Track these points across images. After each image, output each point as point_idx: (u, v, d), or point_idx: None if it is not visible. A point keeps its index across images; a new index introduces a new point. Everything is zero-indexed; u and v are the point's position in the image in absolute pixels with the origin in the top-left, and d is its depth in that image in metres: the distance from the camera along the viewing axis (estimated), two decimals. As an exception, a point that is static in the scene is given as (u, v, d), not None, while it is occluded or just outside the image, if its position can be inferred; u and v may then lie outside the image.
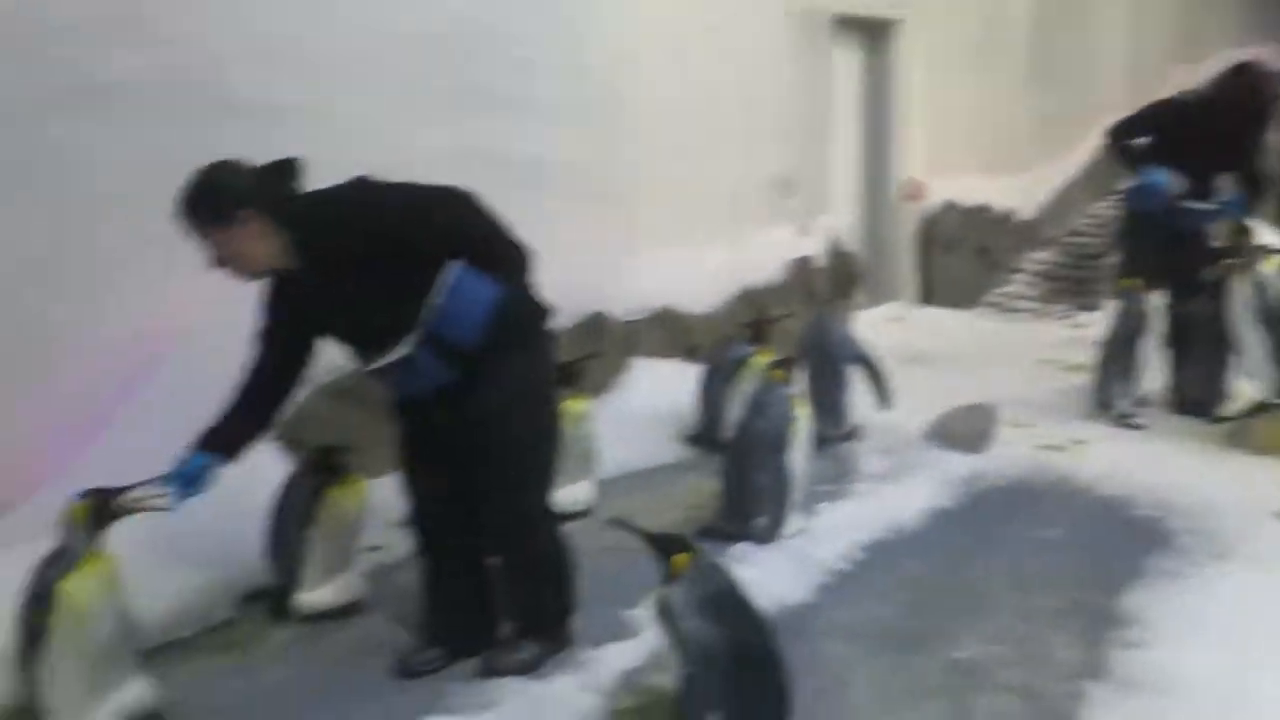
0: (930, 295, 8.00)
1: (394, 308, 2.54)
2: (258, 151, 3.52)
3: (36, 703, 2.48)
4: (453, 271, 2.54)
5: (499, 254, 2.60)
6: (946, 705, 2.72)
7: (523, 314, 2.70)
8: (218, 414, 2.65)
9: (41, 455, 3.22)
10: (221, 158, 2.54)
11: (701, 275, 5.64)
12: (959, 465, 4.36)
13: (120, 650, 2.57)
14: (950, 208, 8.10)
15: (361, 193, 2.56)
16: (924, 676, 2.86)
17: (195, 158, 3.37)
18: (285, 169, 2.59)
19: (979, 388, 5.25)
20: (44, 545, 2.78)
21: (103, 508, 2.51)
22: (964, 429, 4.57)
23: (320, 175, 3.65)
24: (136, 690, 2.60)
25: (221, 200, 2.47)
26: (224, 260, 2.54)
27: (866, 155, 7.69)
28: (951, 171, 7.99)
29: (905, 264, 7.92)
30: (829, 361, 4.70)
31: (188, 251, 3.39)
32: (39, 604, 2.44)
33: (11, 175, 3.10)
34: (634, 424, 4.68)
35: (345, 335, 2.69)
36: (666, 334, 5.48)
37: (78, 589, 2.45)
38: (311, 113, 3.72)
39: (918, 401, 4.85)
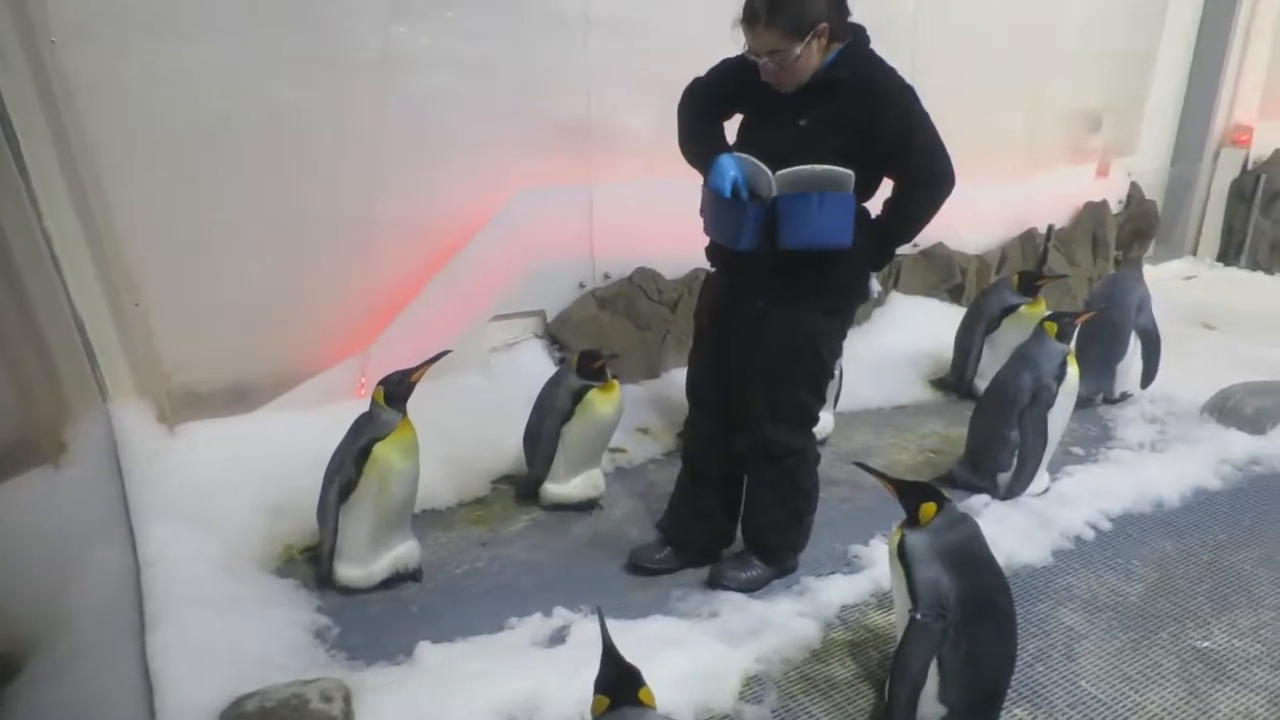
0: (1235, 254, 7.22)
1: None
2: (575, 60, 3.83)
3: (329, 545, 2.88)
4: (856, 202, 2.57)
5: (905, 233, 2.74)
6: (1180, 693, 2.62)
7: (860, 274, 2.77)
8: (701, 134, 2.72)
9: (347, 332, 3.64)
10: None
11: (979, 213, 5.35)
12: (1237, 445, 4.01)
13: (405, 511, 2.93)
14: (1282, 158, 7.22)
15: (913, 94, 2.58)
16: (1159, 661, 2.75)
17: (514, 64, 3.71)
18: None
19: (1275, 362, 4.78)
20: (333, 411, 3.21)
21: (397, 388, 2.83)
22: (1250, 406, 4.18)
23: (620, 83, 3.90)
24: (407, 549, 2.97)
25: (804, 13, 2.46)
26: (778, 69, 2.52)
27: (1191, 88, 6.93)
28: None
29: (1211, 216, 7.17)
30: (1118, 322, 4.40)
31: (498, 150, 3.77)
32: (356, 459, 2.79)
33: (358, 66, 3.43)
34: (883, 360, 4.64)
35: (753, 143, 2.65)
36: (932, 270, 5.32)
37: (390, 451, 2.80)
38: (625, 25, 3.90)
39: (1200, 370, 4.50)
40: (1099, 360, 4.33)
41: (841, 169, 2.51)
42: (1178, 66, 6.78)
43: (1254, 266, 7.13)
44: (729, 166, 2.57)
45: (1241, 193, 7.13)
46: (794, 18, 2.44)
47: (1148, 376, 4.42)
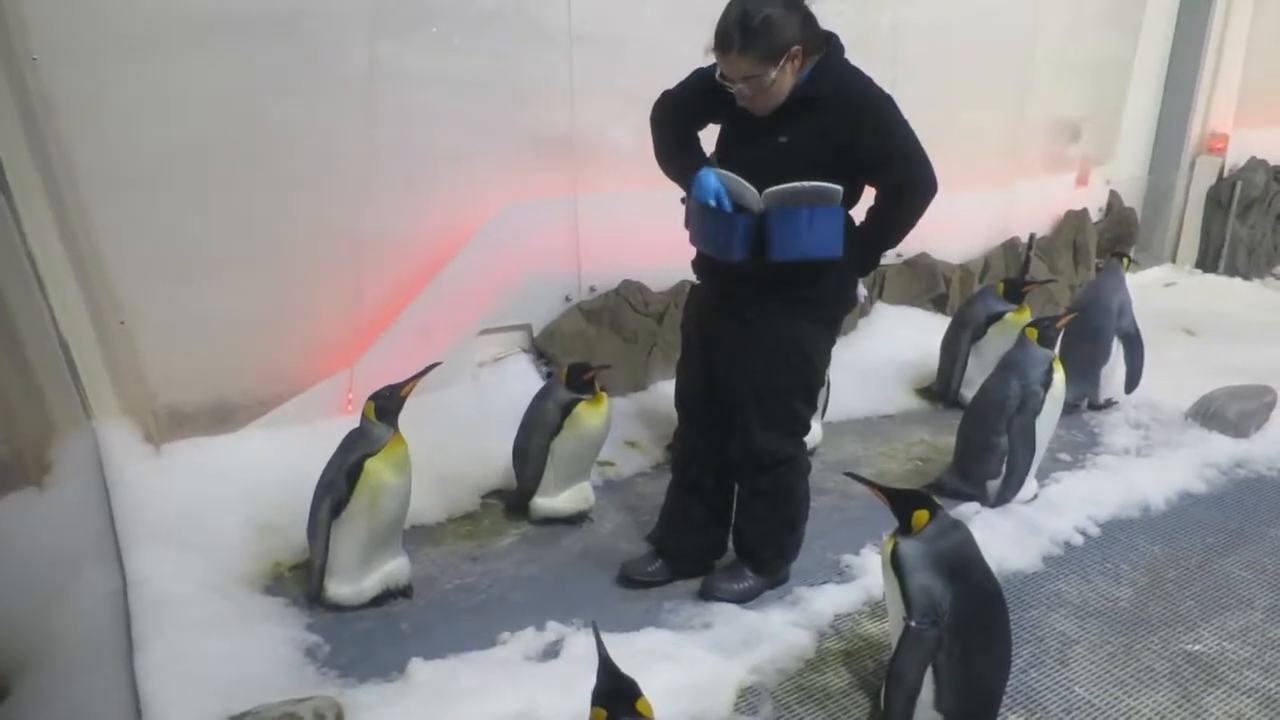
0: (1214, 261, 7.30)
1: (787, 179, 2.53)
2: (559, 75, 3.85)
3: (320, 563, 2.86)
4: (846, 214, 2.61)
5: (891, 239, 2.75)
6: (1173, 698, 2.63)
7: (848, 281, 2.79)
8: (679, 148, 2.71)
9: (333, 349, 3.63)
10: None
11: (961, 222, 5.36)
12: (1222, 449, 4.04)
13: (397, 528, 2.91)
14: (1257, 165, 7.30)
15: (891, 103, 2.59)
16: (1151, 665, 2.76)
17: (498, 78, 3.72)
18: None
19: (1255, 366, 4.80)
20: (320, 429, 3.20)
21: (388, 403, 2.82)
22: (1232, 410, 4.21)
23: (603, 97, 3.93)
24: (398, 565, 2.95)
25: (777, 38, 2.43)
26: (753, 94, 2.51)
27: (1167, 97, 7.02)
28: (1267, 123, 7.19)
29: (1189, 223, 7.26)
30: (1099, 327, 4.43)
31: (483, 164, 3.78)
32: (348, 475, 2.77)
33: (343, 83, 3.43)
34: (870, 369, 4.65)
35: (733, 162, 2.62)
36: (917, 280, 5.35)
37: (382, 467, 2.78)
38: (608, 40, 3.94)
39: (1182, 375, 4.54)
40: (1083, 366, 4.35)
41: (829, 185, 2.52)
42: (1154, 76, 6.87)
43: (1232, 273, 7.19)
44: (710, 181, 2.57)
45: (1218, 200, 7.20)
46: (767, 44, 2.43)
47: (1132, 380, 4.45)
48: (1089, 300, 4.55)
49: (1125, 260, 4.67)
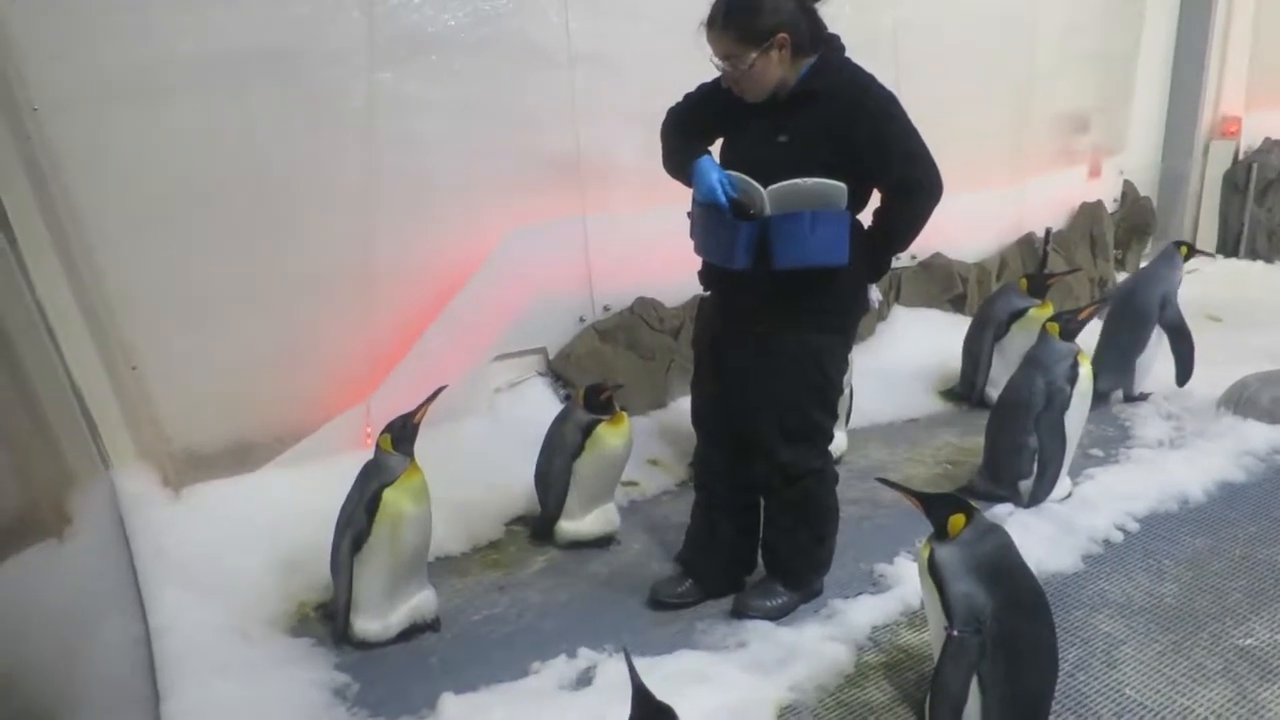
0: (1234, 245, 7.21)
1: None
2: (562, 96, 3.83)
3: (344, 600, 2.80)
4: (851, 216, 2.56)
5: (898, 243, 2.73)
6: (1228, 694, 2.54)
7: (858, 288, 2.73)
8: (684, 149, 2.66)
9: (348, 384, 3.59)
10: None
11: (975, 221, 5.33)
12: (1258, 436, 3.95)
13: (420, 559, 2.86)
14: (1272, 146, 7.21)
15: (893, 101, 2.56)
16: (1203, 661, 2.68)
17: (500, 103, 3.70)
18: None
19: (1286, 351, 4.72)
20: (338, 464, 3.15)
21: (402, 432, 2.78)
22: (1266, 396, 4.12)
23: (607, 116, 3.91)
24: (424, 598, 2.89)
25: (761, 21, 2.44)
26: (737, 77, 2.51)
27: (1175, 84, 6.96)
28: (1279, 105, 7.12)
29: (1206, 209, 7.17)
30: (1141, 315, 4.35)
31: (489, 189, 3.76)
32: (367, 508, 2.72)
33: (344, 116, 3.42)
34: (891, 374, 4.59)
35: (735, 162, 2.60)
36: (932, 282, 5.29)
37: (400, 496, 2.73)
38: (609, 59, 3.92)
39: (1212, 364, 4.43)
40: (1120, 354, 4.28)
41: (834, 181, 2.48)
42: (1161, 63, 6.81)
43: (1253, 256, 7.11)
44: (710, 168, 2.55)
45: (1235, 184, 7.12)
46: (749, 25, 2.43)
47: (1183, 373, 4.33)
48: (1135, 286, 4.48)
49: (1184, 249, 4.51)
